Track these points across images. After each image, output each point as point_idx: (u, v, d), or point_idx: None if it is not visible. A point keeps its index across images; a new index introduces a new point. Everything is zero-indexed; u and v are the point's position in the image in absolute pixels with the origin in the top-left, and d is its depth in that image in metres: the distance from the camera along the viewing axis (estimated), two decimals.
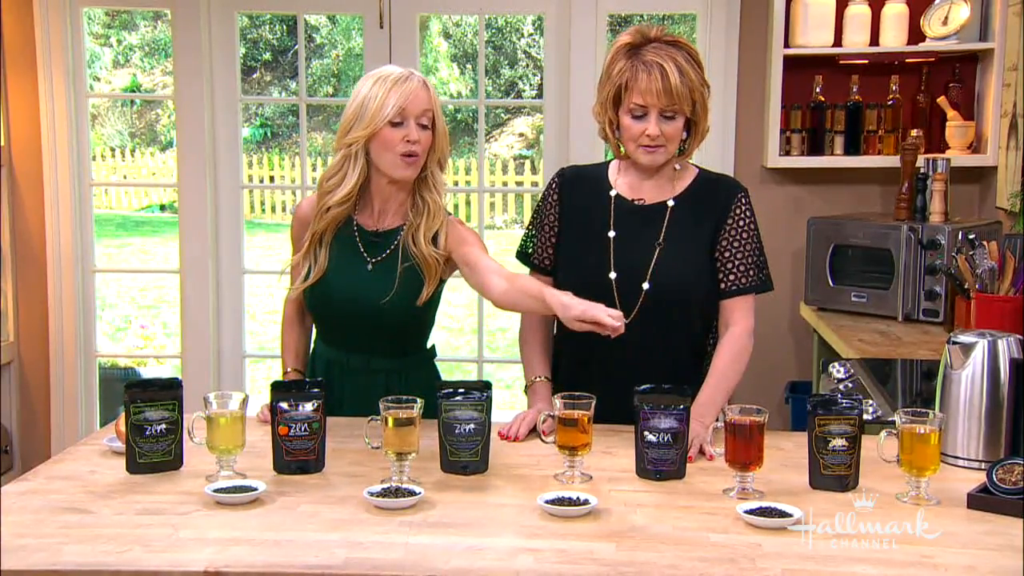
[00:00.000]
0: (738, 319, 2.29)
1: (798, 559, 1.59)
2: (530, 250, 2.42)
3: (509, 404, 5.86)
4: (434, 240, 2.32)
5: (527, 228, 2.46)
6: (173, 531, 1.69)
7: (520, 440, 2.19)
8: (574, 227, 2.37)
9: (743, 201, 2.32)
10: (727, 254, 2.29)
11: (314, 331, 2.51)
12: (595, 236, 2.33)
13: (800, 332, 3.93)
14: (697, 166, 2.40)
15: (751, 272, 2.30)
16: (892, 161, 3.70)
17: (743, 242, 2.30)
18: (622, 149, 2.33)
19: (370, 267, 2.33)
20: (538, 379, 2.35)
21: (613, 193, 2.35)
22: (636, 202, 2.33)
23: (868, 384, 2.60)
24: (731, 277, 2.29)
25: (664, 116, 2.23)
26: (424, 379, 2.37)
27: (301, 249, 2.37)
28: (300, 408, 1.98)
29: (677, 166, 2.33)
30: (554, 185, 2.41)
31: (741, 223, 2.30)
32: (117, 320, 8.54)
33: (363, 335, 2.36)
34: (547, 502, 1.77)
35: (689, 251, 2.30)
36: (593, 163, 2.52)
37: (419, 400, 1.93)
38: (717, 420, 1.99)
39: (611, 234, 2.32)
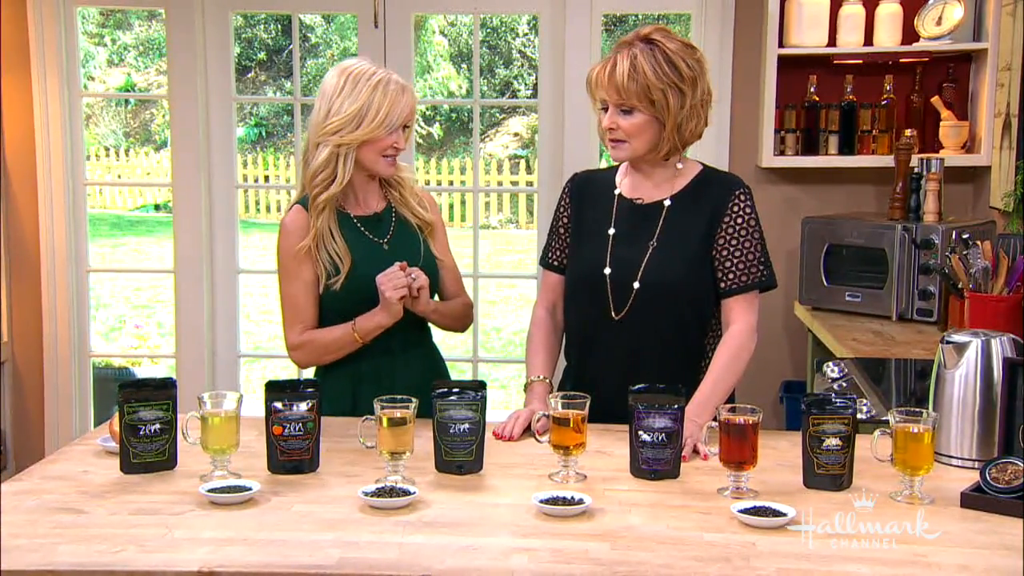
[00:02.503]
0: (737, 317, 2.28)
1: (792, 558, 1.59)
2: (548, 254, 2.48)
3: (504, 404, 5.86)
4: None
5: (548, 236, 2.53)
6: (167, 531, 1.69)
7: (515, 440, 2.19)
8: (581, 227, 2.41)
9: (741, 198, 2.30)
10: (725, 252, 2.29)
11: None
12: (597, 234, 2.36)
13: (794, 332, 3.93)
14: (703, 164, 2.40)
15: (752, 270, 2.29)
16: (886, 161, 3.71)
17: (741, 239, 2.29)
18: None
19: (386, 247, 2.43)
20: (536, 379, 2.36)
21: (616, 192, 2.38)
22: (636, 201, 2.35)
23: (862, 383, 2.61)
24: (730, 276, 2.29)
25: (622, 110, 2.24)
26: (430, 361, 2.54)
27: (304, 259, 2.39)
28: (294, 408, 1.98)
29: (679, 164, 2.34)
30: (566, 190, 2.48)
31: (739, 220, 2.29)
32: (111, 320, 8.53)
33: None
34: (542, 502, 1.77)
35: (682, 250, 2.29)
36: (604, 168, 2.56)
37: (414, 400, 1.94)
38: (713, 420, 1.99)
39: (611, 232, 2.34)
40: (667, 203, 2.32)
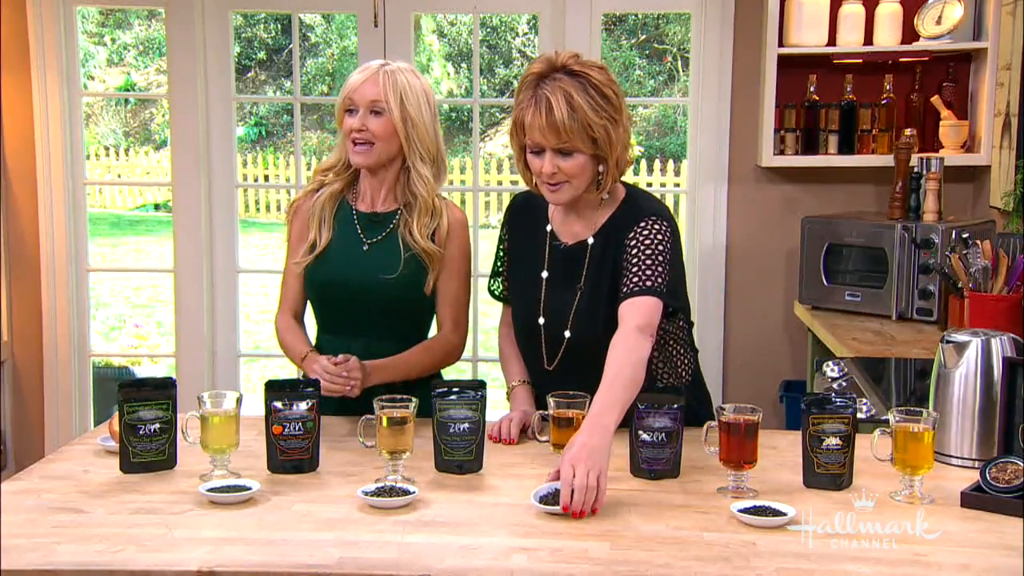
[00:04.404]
0: (624, 318, 2.05)
1: (792, 558, 1.59)
2: (494, 282, 2.40)
3: (503, 403, 5.84)
4: (433, 235, 2.37)
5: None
6: (167, 531, 1.69)
7: (515, 444, 2.18)
8: (518, 262, 2.34)
9: (647, 223, 2.13)
10: (625, 266, 2.11)
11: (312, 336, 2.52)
12: (532, 276, 2.27)
13: (794, 331, 3.93)
14: (628, 187, 2.25)
15: (646, 274, 2.07)
16: (886, 160, 3.71)
17: (640, 251, 2.10)
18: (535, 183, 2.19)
19: (366, 247, 2.39)
20: (517, 383, 2.34)
21: (548, 228, 2.27)
22: (563, 244, 2.23)
23: (862, 383, 2.61)
24: (622, 281, 2.10)
25: (561, 152, 2.07)
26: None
27: (297, 244, 2.43)
28: (294, 407, 1.98)
29: (606, 195, 2.18)
30: (507, 213, 2.39)
31: (635, 241, 2.12)
32: (111, 319, 8.53)
33: (362, 316, 2.38)
34: (542, 501, 1.77)
35: (606, 294, 2.15)
36: None
37: (414, 400, 1.94)
38: (712, 420, 1.98)
39: (544, 275, 2.25)
40: (590, 241, 2.19)
